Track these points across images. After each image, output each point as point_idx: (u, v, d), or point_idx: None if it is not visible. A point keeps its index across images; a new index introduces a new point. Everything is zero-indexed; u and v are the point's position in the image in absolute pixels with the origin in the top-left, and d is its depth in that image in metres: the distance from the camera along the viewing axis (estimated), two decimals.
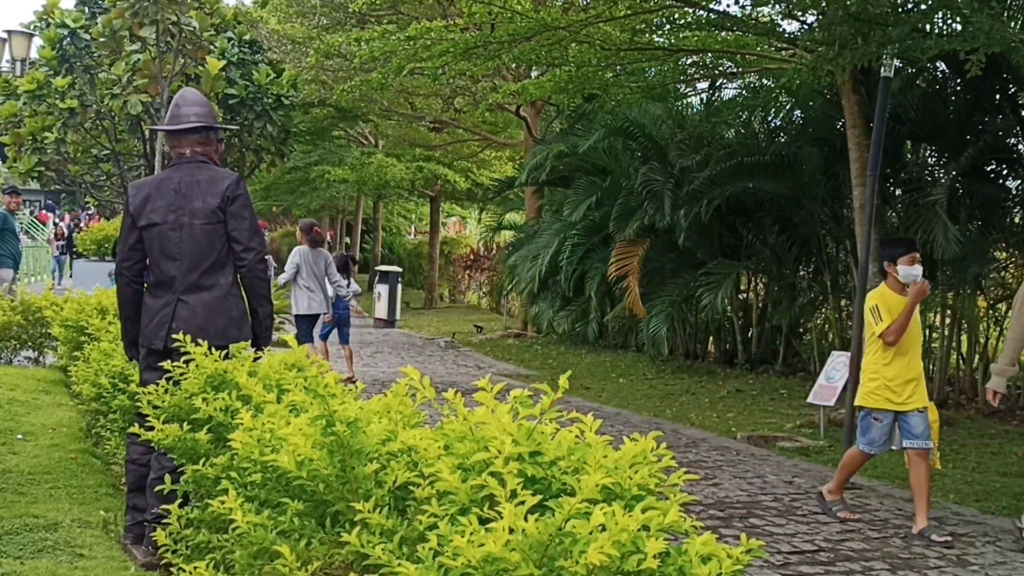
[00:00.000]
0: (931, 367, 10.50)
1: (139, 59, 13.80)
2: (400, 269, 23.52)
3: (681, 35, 10.80)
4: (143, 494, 4.20)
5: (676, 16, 10.25)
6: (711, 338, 14.82)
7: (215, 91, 14.31)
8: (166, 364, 3.56)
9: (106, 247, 21.57)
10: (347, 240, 38.04)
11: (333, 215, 38.55)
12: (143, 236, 4.29)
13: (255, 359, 3.43)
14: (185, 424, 3.19)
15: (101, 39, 14.18)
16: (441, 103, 22.39)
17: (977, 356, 10.96)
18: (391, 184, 24.17)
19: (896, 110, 10.08)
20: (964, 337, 11.21)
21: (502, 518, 1.87)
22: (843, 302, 12.46)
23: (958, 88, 11.17)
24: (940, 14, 8.08)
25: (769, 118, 13.92)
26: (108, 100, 13.99)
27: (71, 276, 26.16)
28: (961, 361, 11.22)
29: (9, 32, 17.58)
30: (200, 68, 14.45)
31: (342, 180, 23.06)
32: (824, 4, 8.23)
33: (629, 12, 10.17)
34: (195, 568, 2.57)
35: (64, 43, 15.11)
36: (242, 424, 2.73)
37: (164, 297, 4.25)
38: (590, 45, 10.63)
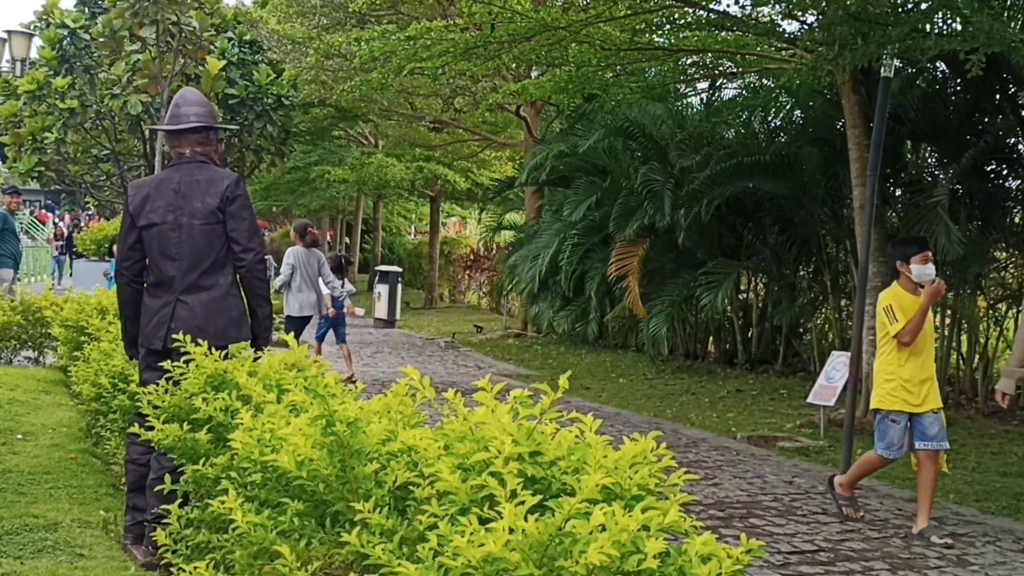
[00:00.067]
0: None
1: (139, 59, 13.81)
2: (400, 269, 23.53)
3: (681, 35, 10.80)
4: (143, 494, 4.20)
5: (676, 16, 10.24)
6: (711, 338, 14.82)
7: (215, 91, 14.31)
8: (166, 364, 3.56)
9: (106, 247, 21.59)
10: (347, 240, 38.04)
11: (333, 215, 38.55)
12: (142, 236, 4.29)
13: (255, 359, 3.43)
14: (185, 424, 3.19)
15: (101, 39, 14.18)
16: (441, 103, 22.39)
17: (977, 356, 10.96)
18: (391, 184, 24.17)
19: (896, 110, 10.08)
20: (964, 337, 11.21)
21: (502, 518, 1.87)
22: (843, 302, 12.47)
23: (958, 88, 11.17)
24: (940, 14, 8.08)
25: (769, 118, 13.93)
26: (108, 100, 13.99)
27: (71, 275, 26.17)
28: (961, 361, 11.22)
29: (9, 32, 17.59)
30: (200, 68, 14.45)
31: (342, 180, 23.06)
32: (824, 4, 8.23)
33: (629, 12, 10.17)
34: (195, 568, 2.57)
35: (64, 43, 15.11)
36: (242, 424, 2.73)
37: (163, 297, 4.25)
38: (590, 45, 10.63)
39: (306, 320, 10.66)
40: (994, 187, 11.19)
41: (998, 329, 11.14)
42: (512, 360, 15.37)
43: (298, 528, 2.53)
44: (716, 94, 14.78)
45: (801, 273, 13.65)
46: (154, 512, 3.80)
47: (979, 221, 11.07)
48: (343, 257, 13.52)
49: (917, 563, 5.17)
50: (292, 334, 3.78)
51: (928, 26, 7.87)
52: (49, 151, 15.25)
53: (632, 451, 2.07)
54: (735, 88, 15.10)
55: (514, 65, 14.37)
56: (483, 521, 1.95)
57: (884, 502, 6.56)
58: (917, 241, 6.15)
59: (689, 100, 15.68)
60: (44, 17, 16.75)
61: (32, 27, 17.90)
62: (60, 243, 31.03)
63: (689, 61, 12.86)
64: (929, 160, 12.02)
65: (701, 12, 10.18)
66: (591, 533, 1.83)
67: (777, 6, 9.57)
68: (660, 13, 10.31)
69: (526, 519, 1.86)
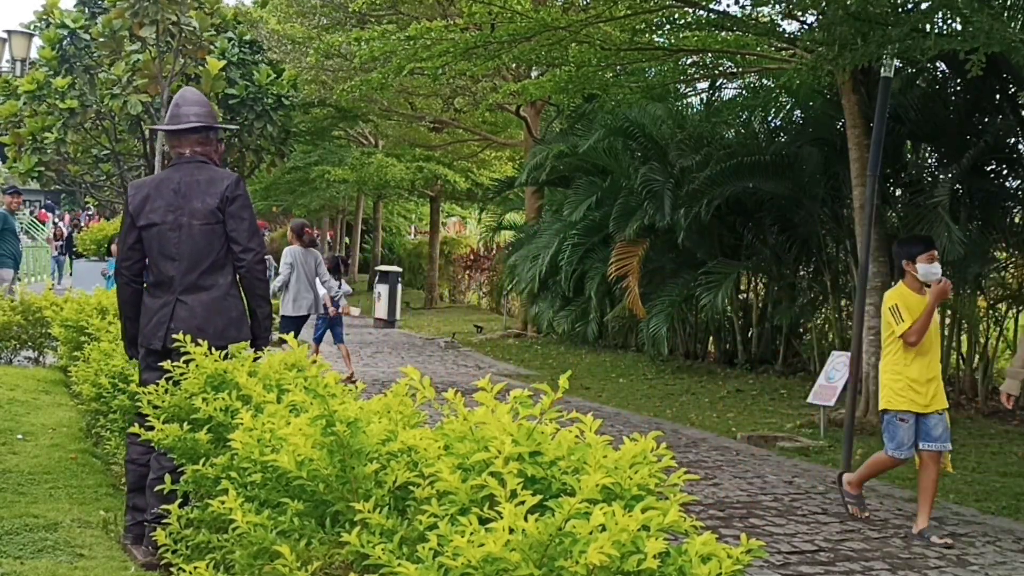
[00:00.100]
0: None
1: (139, 59, 13.81)
2: (400, 269, 23.52)
3: (681, 35, 10.80)
4: (143, 494, 4.20)
5: (676, 16, 10.24)
6: (711, 338, 14.82)
7: (215, 91, 14.32)
8: (166, 364, 3.56)
9: (105, 247, 21.59)
10: (347, 240, 38.05)
11: (333, 215, 38.56)
12: (142, 236, 4.29)
13: (255, 359, 3.43)
14: (185, 424, 3.19)
15: (101, 39, 14.19)
16: (441, 103, 22.39)
17: (977, 356, 10.96)
18: (391, 184, 24.17)
19: (896, 110, 10.08)
20: (964, 337, 11.21)
21: (502, 518, 1.87)
22: (843, 302, 12.47)
23: (958, 88, 11.17)
24: (940, 14, 8.08)
25: (769, 118, 13.93)
26: (108, 100, 14.00)
27: (71, 275, 26.17)
28: (961, 361, 11.22)
29: (9, 32, 17.59)
30: (200, 68, 14.45)
31: (342, 180, 23.06)
32: (824, 4, 8.23)
33: (629, 12, 10.17)
34: (195, 568, 2.57)
35: (64, 43, 15.12)
36: (242, 424, 2.73)
37: (163, 297, 4.25)
38: (590, 45, 10.63)
39: (303, 319, 10.64)
40: (994, 187, 11.19)
41: (998, 329, 11.14)
42: (512, 360, 15.37)
43: (298, 528, 2.53)
44: (716, 94, 14.79)
45: (801, 273, 13.65)
46: (154, 512, 3.80)
47: (979, 221, 11.07)
48: (340, 258, 13.55)
49: (917, 563, 5.17)
50: (292, 334, 3.78)
51: (928, 26, 7.87)
52: (49, 151, 15.26)
53: (632, 451, 2.07)
54: (735, 88, 15.11)
55: (514, 65, 14.37)
56: (483, 521, 1.95)
57: (884, 502, 6.56)
58: (923, 240, 6.11)
59: (689, 100, 15.69)
60: (44, 17, 16.76)
61: (32, 27, 17.91)
62: (59, 243, 31.03)
63: (689, 61, 12.86)
64: (929, 160, 12.02)
65: (701, 12, 10.18)
66: (591, 533, 1.83)
67: (777, 6, 9.57)
68: (660, 13, 10.30)
69: (526, 519, 1.86)
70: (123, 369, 4.96)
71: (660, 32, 11.02)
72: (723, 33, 10.61)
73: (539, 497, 1.94)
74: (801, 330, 13.32)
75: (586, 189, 15.53)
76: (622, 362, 14.56)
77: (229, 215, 4.25)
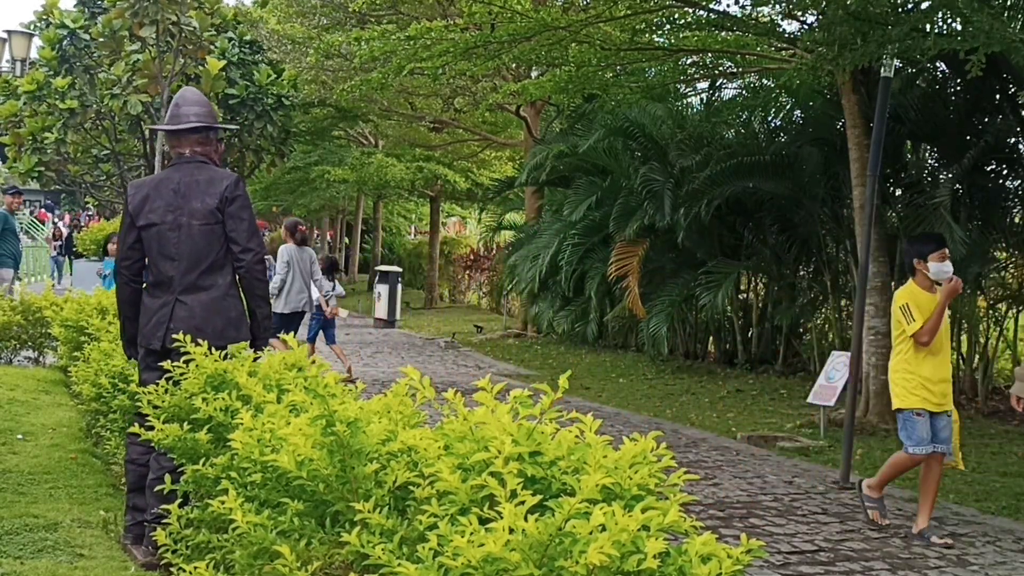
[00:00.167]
0: None
1: (139, 59, 13.82)
2: (400, 269, 23.51)
3: (681, 35, 10.80)
4: (143, 494, 4.20)
5: (676, 16, 10.24)
6: (711, 338, 14.82)
7: (215, 91, 14.32)
8: (166, 364, 3.56)
9: (102, 247, 21.60)
10: (347, 240, 38.04)
11: (333, 215, 38.55)
12: (142, 236, 4.29)
13: (254, 359, 3.43)
14: (185, 424, 3.19)
15: (101, 39, 14.20)
16: (441, 103, 22.38)
17: (977, 356, 10.96)
18: (391, 184, 24.17)
19: (896, 110, 10.08)
20: (964, 337, 11.20)
21: (502, 518, 1.87)
22: (843, 302, 12.47)
23: (958, 88, 11.18)
24: (940, 14, 8.07)
25: (769, 118, 13.93)
26: (108, 100, 14.01)
27: (71, 275, 26.17)
28: (961, 361, 11.21)
29: (9, 32, 17.58)
30: (200, 68, 14.46)
31: (342, 180, 23.07)
32: (824, 4, 8.23)
33: (629, 12, 10.17)
34: (195, 568, 2.57)
35: (64, 43, 15.13)
36: (242, 424, 2.73)
37: (162, 297, 4.25)
38: (590, 45, 10.63)
39: (296, 317, 10.56)
40: (994, 187, 11.18)
41: (998, 329, 11.14)
42: (512, 360, 15.37)
43: (298, 528, 2.53)
44: (716, 94, 14.79)
45: (801, 273, 13.65)
46: (154, 512, 3.80)
47: (979, 221, 11.07)
48: (334, 259, 13.56)
49: (917, 563, 5.17)
50: (292, 334, 3.78)
51: (928, 26, 7.87)
52: (49, 151, 15.27)
53: (632, 451, 2.07)
54: (735, 88, 15.11)
55: (514, 65, 14.37)
56: (483, 521, 1.95)
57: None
58: (934, 239, 6.05)
59: (689, 100, 15.69)
60: (44, 17, 16.78)
61: (32, 27, 17.91)
62: (58, 243, 31.03)
63: (689, 61, 12.86)
64: (929, 160, 12.02)
65: (701, 12, 10.18)
66: (591, 533, 1.83)
67: (777, 6, 9.57)
68: (660, 13, 10.30)
69: (526, 519, 1.86)
70: (123, 369, 4.96)
71: (660, 32, 11.02)
72: (723, 33, 10.61)
73: (539, 497, 1.94)
74: (801, 330, 13.32)
75: (586, 189, 15.53)
76: (622, 362, 14.56)
77: (228, 215, 4.24)
